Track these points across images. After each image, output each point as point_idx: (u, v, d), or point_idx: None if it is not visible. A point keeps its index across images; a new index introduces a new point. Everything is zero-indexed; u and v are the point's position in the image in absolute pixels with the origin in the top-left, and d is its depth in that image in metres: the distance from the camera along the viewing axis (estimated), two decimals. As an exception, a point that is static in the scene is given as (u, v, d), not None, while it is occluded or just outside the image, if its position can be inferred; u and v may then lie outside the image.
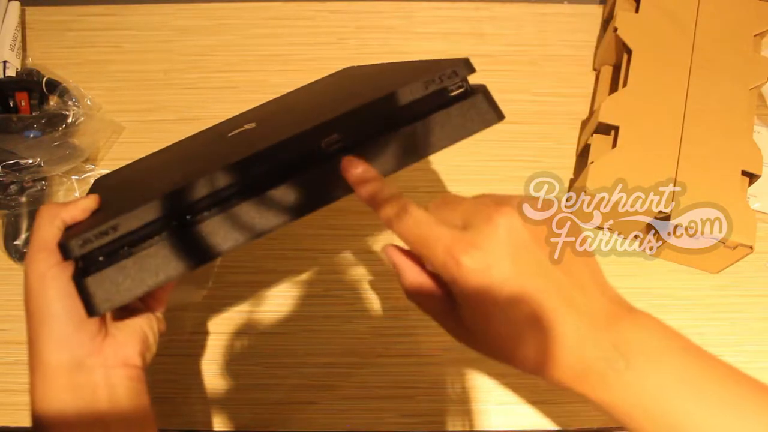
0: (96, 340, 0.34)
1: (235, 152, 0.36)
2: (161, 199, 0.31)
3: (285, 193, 0.32)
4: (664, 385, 0.28)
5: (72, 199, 0.36)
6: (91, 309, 0.31)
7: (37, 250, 0.33)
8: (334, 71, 0.53)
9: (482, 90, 0.35)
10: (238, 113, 0.50)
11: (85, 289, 0.31)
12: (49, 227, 0.34)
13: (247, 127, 0.42)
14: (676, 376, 0.28)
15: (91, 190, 0.45)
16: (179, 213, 0.32)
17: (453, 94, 0.35)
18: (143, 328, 0.37)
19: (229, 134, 0.42)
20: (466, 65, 0.34)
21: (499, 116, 0.35)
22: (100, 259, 0.32)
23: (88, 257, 0.32)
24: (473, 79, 0.37)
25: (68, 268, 0.33)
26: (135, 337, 0.36)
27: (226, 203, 0.32)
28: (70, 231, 0.34)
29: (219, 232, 0.32)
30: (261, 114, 0.48)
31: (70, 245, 0.31)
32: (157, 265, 0.32)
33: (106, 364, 0.34)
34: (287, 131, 0.34)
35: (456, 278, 0.29)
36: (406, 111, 0.34)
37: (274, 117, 0.45)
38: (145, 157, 0.48)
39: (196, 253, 0.32)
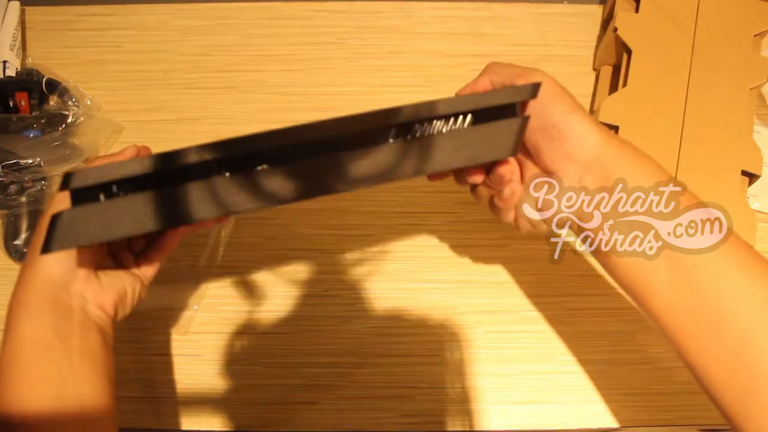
0: (81, 275, 0.37)
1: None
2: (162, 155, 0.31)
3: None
4: None
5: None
6: (46, 245, 0.31)
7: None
8: None
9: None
10: (237, 113, 0.48)
11: (52, 224, 0.31)
12: None
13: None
14: None
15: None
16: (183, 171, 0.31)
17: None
18: (124, 284, 0.40)
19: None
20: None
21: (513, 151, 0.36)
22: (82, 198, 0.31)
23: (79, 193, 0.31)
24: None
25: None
26: (115, 288, 0.39)
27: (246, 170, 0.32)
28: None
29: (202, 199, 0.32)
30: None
31: (70, 177, 0.31)
32: (129, 216, 0.31)
33: (84, 296, 0.37)
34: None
35: None
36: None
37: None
38: None
39: (176, 213, 0.32)
